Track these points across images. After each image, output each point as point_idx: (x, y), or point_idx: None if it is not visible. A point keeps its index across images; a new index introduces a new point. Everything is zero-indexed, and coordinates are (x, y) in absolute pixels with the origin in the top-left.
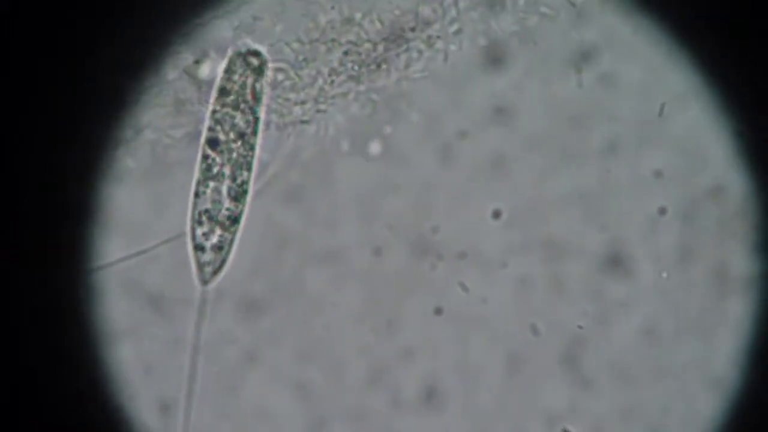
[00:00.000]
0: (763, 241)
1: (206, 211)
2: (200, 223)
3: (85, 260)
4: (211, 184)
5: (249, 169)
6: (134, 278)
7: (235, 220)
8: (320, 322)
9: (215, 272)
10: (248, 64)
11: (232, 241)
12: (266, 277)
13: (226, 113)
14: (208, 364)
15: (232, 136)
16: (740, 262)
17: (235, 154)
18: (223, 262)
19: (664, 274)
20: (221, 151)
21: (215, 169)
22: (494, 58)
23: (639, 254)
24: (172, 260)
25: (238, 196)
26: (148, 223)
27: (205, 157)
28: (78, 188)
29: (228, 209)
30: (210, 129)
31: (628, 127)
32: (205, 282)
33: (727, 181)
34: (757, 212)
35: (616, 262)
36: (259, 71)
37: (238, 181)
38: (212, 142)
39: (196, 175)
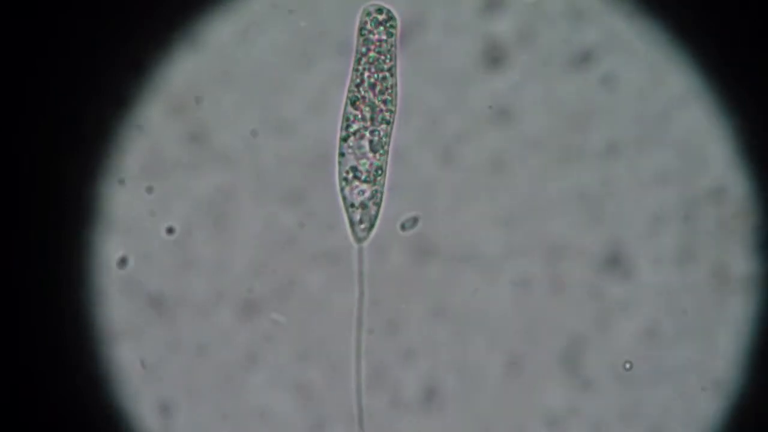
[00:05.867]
0: (763, 242)
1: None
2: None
3: (86, 260)
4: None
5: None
6: (134, 278)
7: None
8: (321, 323)
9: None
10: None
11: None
12: (266, 278)
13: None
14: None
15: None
16: (740, 262)
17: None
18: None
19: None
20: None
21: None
22: (494, 58)
23: (639, 255)
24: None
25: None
26: (148, 223)
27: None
28: (78, 188)
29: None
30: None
31: (628, 128)
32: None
33: (727, 181)
34: (757, 213)
35: (615, 263)
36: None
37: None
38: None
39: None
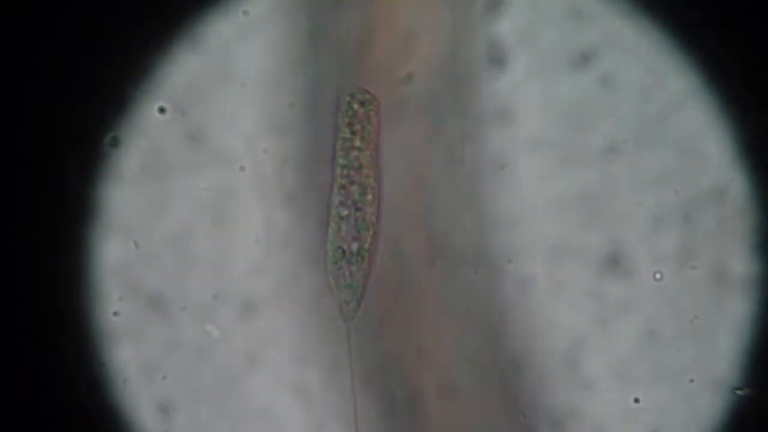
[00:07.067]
0: (763, 242)
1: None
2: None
3: (85, 260)
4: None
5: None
6: (134, 279)
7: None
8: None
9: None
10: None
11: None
12: (266, 278)
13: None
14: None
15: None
16: (740, 262)
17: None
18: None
19: (658, 275)
20: None
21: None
22: (495, 59)
23: (639, 255)
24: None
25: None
26: (148, 223)
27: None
28: (78, 188)
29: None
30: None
31: (628, 129)
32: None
33: (727, 182)
34: (757, 213)
35: (615, 263)
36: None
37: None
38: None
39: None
